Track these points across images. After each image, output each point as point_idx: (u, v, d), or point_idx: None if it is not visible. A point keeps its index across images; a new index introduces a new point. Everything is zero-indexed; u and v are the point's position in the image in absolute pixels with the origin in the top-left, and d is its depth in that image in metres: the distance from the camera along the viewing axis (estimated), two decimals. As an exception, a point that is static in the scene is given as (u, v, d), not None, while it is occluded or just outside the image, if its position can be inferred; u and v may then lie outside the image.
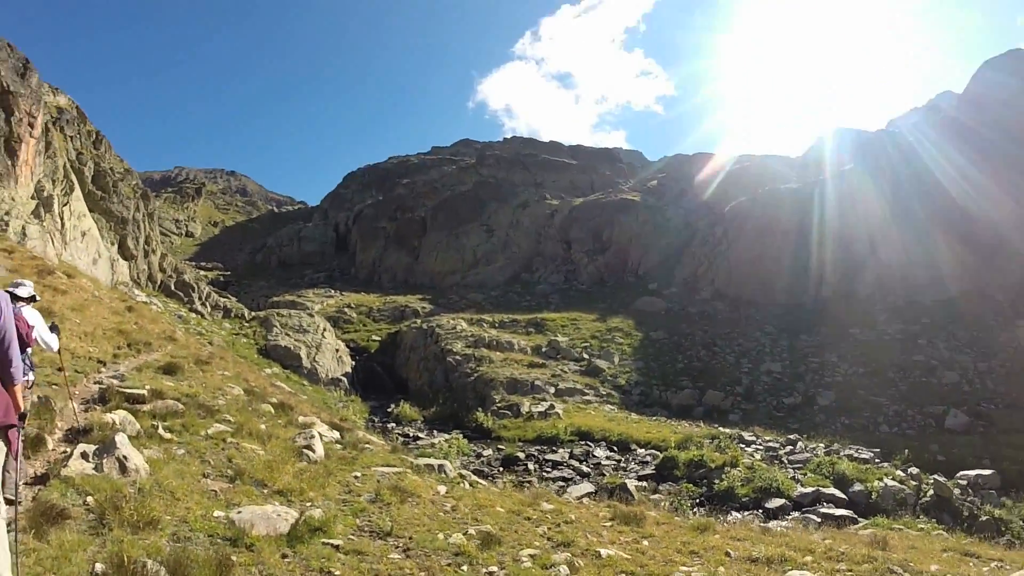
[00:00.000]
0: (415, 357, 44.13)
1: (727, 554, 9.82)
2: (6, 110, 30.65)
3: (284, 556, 6.26)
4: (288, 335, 41.24)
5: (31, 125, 31.95)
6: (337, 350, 43.10)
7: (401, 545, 7.52)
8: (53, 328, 8.15)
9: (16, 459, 5.15)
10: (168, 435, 9.37)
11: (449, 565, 7.11)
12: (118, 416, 9.18)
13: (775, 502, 19.06)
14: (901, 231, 51.22)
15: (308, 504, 8.10)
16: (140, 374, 14.10)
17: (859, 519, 17.63)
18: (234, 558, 5.66)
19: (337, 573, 6.23)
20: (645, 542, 10.15)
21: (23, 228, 28.16)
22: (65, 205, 33.63)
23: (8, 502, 5.21)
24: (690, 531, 11.53)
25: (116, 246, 38.21)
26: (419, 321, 49.11)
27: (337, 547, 6.83)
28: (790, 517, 17.99)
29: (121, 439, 7.36)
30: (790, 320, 47.95)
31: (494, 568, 7.38)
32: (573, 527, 10.45)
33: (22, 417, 5.16)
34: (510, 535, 9.10)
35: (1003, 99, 52.51)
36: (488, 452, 26.15)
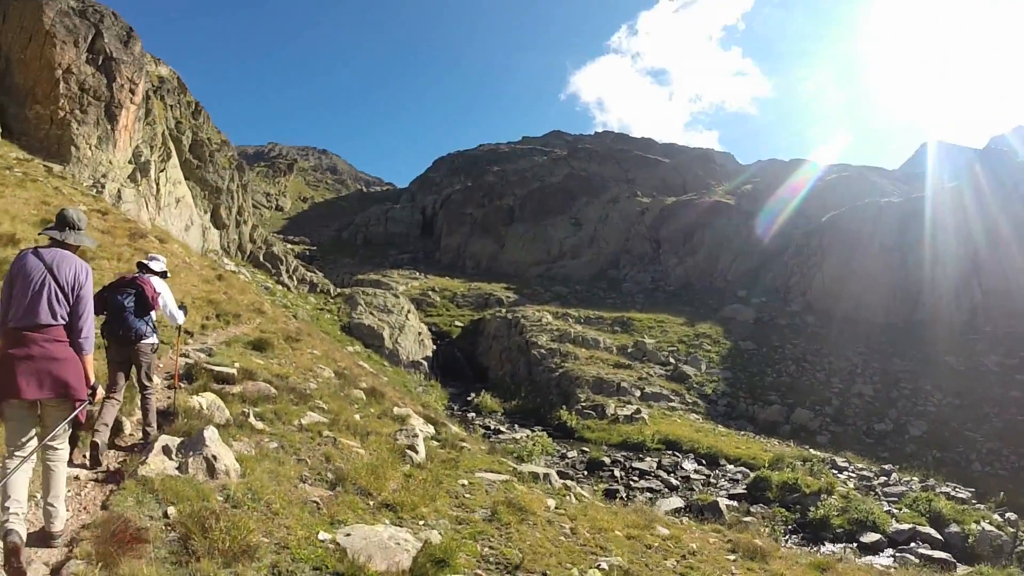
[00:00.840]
0: (497, 346, 42.99)
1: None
2: (108, 76, 30.58)
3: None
4: (372, 314, 40.47)
5: (132, 91, 31.81)
6: (419, 333, 42.20)
7: (536, 583, 6.18)
8: (181, 307, 8.19)
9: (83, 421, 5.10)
10: (260, 424, 8.17)
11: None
12: (205, 400, 8.02)
13: (870, 537, 17.87)
14: (1004, 256, 48.35)
15: (421, 523, 6.79)
16: (229, 349, 13.08)
17: (957, 563, 16.62)
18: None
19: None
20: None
21: (119, 191, 27.89)
22: (161, 171, 33.39)
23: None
24: (811, 570, 10.32)
25: (209, 214, 38.01)
26: (503, 310, 47.93)
27: (468, 587, 5.50)
28: (885, 554, 17.03)
29: (210, 434, 6.11)
30: (882, 341, 45.42)
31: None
32: (700, 561, 9.22)
33: (93, 389, 4.99)
34: (642, 570, 7.83)
35: None
36: (573, 454, 24.95)
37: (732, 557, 10.11)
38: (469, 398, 34.66)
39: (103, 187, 27.60)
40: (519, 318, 43.98)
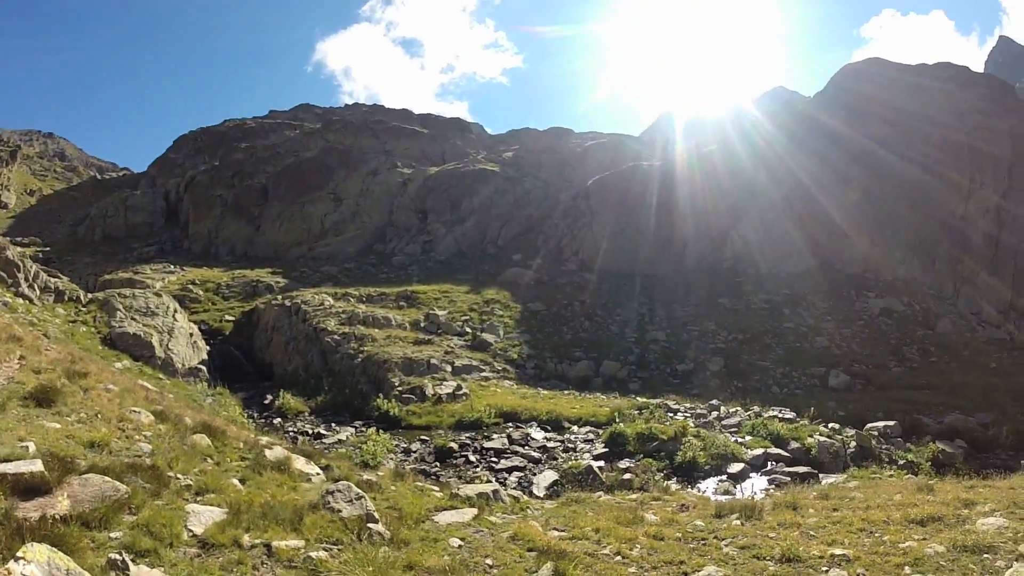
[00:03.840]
0: (279, 338, 38.74)
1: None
2: None
3: None
4: (135, 320, 34.64)
5: None
6: (191, 334, 36.81)
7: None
8: None
9: None
10: (148, 570, 4.60)
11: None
12: (34, 567, 4.23)
13: (735, 467, 19.37)
14: (758, 208, 54.01)
15: None
16: (3, 414, 8.83)
17: (818, 474, 18.60)
18: None
19: None
20: (874, 535, 8.38)
21: None
22: None
23: None
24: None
25: (-83, 219, 30.44)
26: (279, 297, 43.34)
27: None
28: (755, 477, 18.73)
29: None
30: (660, 290, 48.29)
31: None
32: (775, 534, 8.36)
33: None
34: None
35: (852, 103, 56.95)
36: (415, 446, 22.50)
37: (733, 519, 9.41)
38: (266, 401, 30.44)
39: None
40: (298, 304, 39.88)
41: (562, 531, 8.16)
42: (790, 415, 25.50)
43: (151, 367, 31.08)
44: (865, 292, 46.33)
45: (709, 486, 17.74)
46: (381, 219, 64.77)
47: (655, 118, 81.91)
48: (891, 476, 17.55)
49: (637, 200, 55.23)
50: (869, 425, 24.16)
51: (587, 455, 20.97)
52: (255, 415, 28.31)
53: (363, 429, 24.45)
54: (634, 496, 11.96)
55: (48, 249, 64.57)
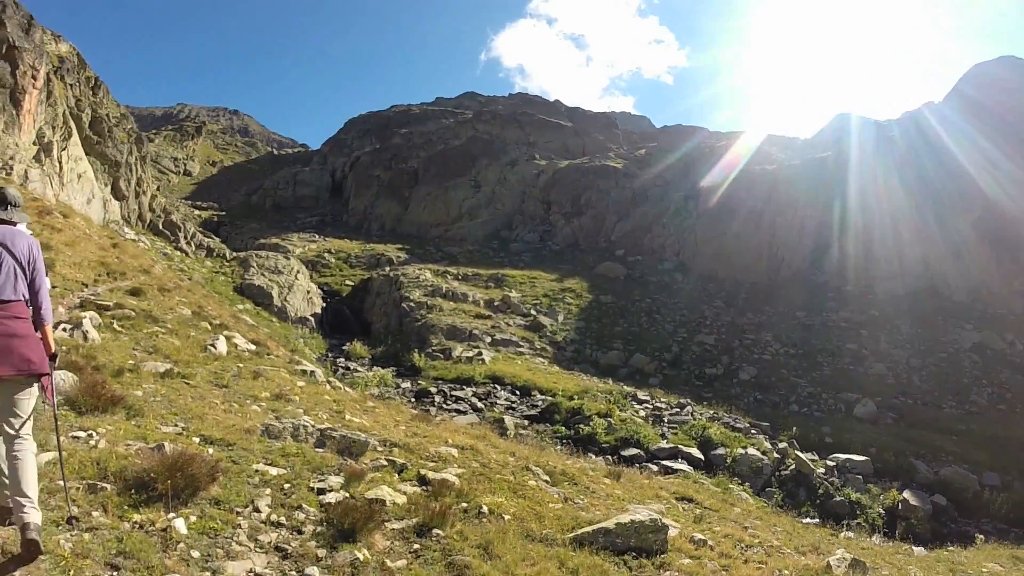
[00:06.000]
0: (379, 302, 50.60)
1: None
2: (11, 64, 35.73)
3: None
4: (263, 275, 48.01)
5: (34, 77, 37.21)
6: (308, 291, 49.87)
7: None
8: None
9: (52, 400, 5.58)
10: (119, 327, 16.08)
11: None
12: (88, 314, 15.82)
13: (630, 451, 22.91)
14: (867, 222, 56.97)
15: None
16: (111, 294, 20.77)
17: (689, 473, 21.59)
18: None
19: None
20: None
21: (25, 172, 34.15)
22: (63, 150, 39.84)
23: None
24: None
25: (109, 187, 44.94)
26: (386, 269, 55.72)
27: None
28: (637, 466, 21.12)
29: (86, 323, 14.00)
30: (742, 297, 53.11)
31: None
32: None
33: (53, 358, 5.52)
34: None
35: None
36: (406, 384, 30.90)
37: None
38: (344, 347, 42.42)
39: (12, 169, 33.84)
40: (399, 275, 51.57)
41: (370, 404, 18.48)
42: (743, 425, 28.50)
43: (268, 312, 43.89)
44: (964, 323, 46.88)
45: (596, 460, 19.49)
46: (512, 207, 75.40)
47: (830, 119, 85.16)
48: (729, 489, 19.96)
49: (741, 206, 60.11)
50: (834, 455, 25.09)
51: (518, 414, 26.55)
52: (331, 355, 39.90)
53: (387, 372, 33.36)
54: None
55: (223, 214, 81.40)
